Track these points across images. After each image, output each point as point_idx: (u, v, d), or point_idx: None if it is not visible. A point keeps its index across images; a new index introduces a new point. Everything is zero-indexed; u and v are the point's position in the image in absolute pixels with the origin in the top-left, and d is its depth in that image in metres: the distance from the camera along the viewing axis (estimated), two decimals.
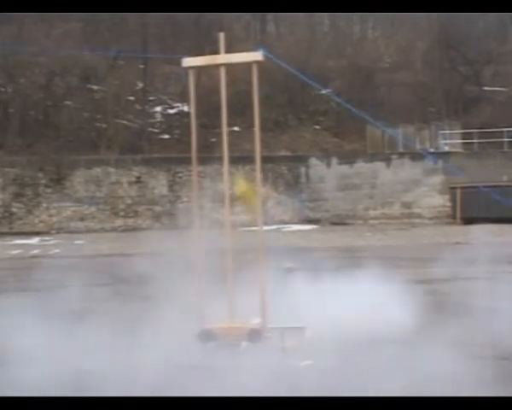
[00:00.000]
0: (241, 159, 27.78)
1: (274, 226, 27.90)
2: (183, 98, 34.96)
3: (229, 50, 6.46)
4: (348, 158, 33.55)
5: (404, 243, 21.25)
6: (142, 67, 41.95)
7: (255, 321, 6.58)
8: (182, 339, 6.89)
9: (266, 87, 29.28)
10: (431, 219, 31.80)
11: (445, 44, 41.94)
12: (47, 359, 6.22)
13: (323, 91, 33.38)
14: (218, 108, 6.67)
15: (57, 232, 29.47)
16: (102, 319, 8.53)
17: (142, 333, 7.24)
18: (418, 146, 33.28)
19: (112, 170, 33.20)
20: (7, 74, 38.35)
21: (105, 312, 9.21)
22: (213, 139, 30.66)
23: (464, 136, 35.19)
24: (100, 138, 37.27)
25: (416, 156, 32.79)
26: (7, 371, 6.24)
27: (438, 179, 32.05)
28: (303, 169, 33.77)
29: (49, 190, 32.60)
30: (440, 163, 32.10)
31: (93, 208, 32.75)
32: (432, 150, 33.17)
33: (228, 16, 40.94)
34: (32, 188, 32.43)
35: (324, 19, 49.30)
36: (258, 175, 6.51)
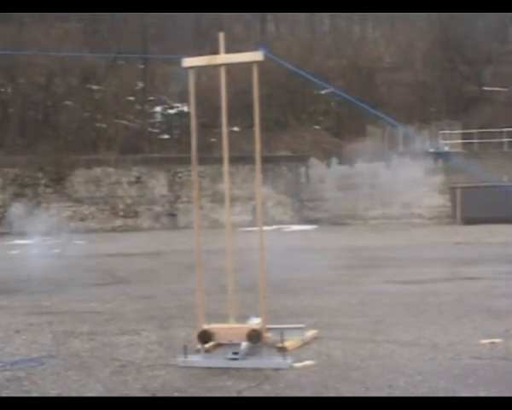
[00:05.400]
0: (241, 159, 27.83)
1: (274, 226, 27.89)
2: (183, 98, 34.97)
3: (229, 50, 6.45)
4: (348, 158, 33.53)
5: (404, 243, 21.25)
6: (141, 67, 41.95)
7: (255, 321, 6.59)
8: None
9: (266, 87, 29.28)
10: (431, 219, 31.80)
11: (445, 44, 41.95)
12: None
13: (328, 90, 33.37)
14: (218, 108, 6.66)
15: (57, 232, 29.47)
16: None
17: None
18: (432, 146, 33.32)
19: (112, 170, 33.21)
20: (7, 74, 38.36)
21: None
22: (213, 139, 30.66)
23: (464, 136, 35.20)
24: (100, 138, 37.27)
25: (416, 156, 32.79)
26: None
27: (438, 179, 32.05)
28: (303, 169, 33.77)
29: (49, 190, 32.60)
30: (440, 163, 32.11)
31: (93, 208, 32.76)
32: (432, 150, 33.18)
33: (228, 16, 40.93)
34: (32, 188, 32.43)
35: (324, 19, 49.28)
36: (258, 175, 6.50)
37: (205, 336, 6.16)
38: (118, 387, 5.49)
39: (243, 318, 6.79)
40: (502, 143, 34.04)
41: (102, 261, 17.10)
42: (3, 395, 5.34)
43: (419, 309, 8.71)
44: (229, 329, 6.24)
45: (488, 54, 42.42)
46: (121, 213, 32.95)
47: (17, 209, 31.37)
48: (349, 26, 49.08)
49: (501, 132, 33.97)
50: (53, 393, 5.36)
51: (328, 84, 20.33)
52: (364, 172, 32.75)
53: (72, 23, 41.50)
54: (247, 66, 6.44)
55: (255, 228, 6.66)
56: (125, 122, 39.38)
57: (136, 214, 33.08)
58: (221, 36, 6.40)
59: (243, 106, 26.03)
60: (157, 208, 33.26)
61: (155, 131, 40.11)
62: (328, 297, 9.98)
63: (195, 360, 6.14)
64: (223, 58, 6.42)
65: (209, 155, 27.01)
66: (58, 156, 32.94)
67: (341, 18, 47.62)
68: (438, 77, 41.28)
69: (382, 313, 8.51)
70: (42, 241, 23.70)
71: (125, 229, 32.03)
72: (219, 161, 6.93)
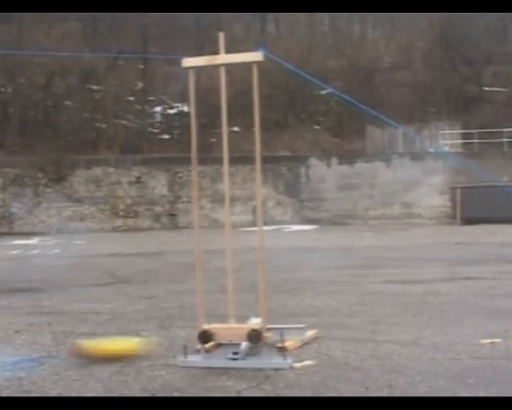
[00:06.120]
0: (241, 159, 27.84)
1: (274, 226, 27.90)
2: (183, 98, 34.98)
3: (229, 50, 6.45)
4: (348, 158, 33.54)
5: (404, 243, 21.25)
6: (141, 67, 41.97)
7: (255, 321, 6.58)
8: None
9: (266, 87, 29.28)
10: (431, 219, 31.79)
11: (445, 44, 41.96)
12: None
13: (328, 90, 33.39)
14: (218, 108, 6.66)
15: (57, 232, 29.48)
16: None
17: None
18: (432, 146, 33.37)
19: (112, 170, 33.20)
20: (7, 74, 38.37)
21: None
22: (213, 139, 30.67)
23: (464, 136, 35.19)
24: (100, 138, 37.28)
25: (416, 156, 32.82)
26: None
27: (438, 179, 32.05)
28: (303, 169, 33.77)
29: (49, 190, 32.60)
30: (440, 163, 32.10)
31: (93, 208, 32.75)
32: (432, 150, 33.19)
33: (228, 16, 40.95)
34: (32, 188, 32.43)
35: (324, 19, 49.31)
36: (258, 175, 6.50)
37: (205, 336, 6.16)
38: (118, 387, 5.49)
39: (243, 318, 6.79)
40: (502, 143, 34.03)
41: (102, 261, 17.10)
42: (3, 395, 5.34)
43: (419, 309, 8.70)
44: (229, 329, 6.23)
45: (488, 54, 42.44)
46: (121, 214, 32.94)
47: (17, 209, 31.39)
48: (349, 26, 49.11)
49: (501, 132, 33.96)
50: (53, 393, 5.36)
51: (328, 84, 20.36)
52: (364, 172, 32.76)
53: (72, 23, 41.54)
54: (247, 66, 6.44)
55: (255, 228, 6.66)
56: (124, 122, 39.38)
57: (136, 214, 33.07)
58: (221, 36, 6.40)
59: (243, 106, 26.02)
60: (157, 208, 33.26)
61: (155, 131, 40.11)
62: (328, 297, 9.97)
63: (195, 360, 6.14)
64: (223, 58, 6.42)
65: (209, 155, 27.02)
66: (58, 156, 32.94)
67: (341, 18, 47.63)
68: (438, 77, 41.29)
69: (382, 313, 8.51)
70: (42, 241, 23.72)
71: (125, 229, 32.02)
72: (219, 161, 6.93)
